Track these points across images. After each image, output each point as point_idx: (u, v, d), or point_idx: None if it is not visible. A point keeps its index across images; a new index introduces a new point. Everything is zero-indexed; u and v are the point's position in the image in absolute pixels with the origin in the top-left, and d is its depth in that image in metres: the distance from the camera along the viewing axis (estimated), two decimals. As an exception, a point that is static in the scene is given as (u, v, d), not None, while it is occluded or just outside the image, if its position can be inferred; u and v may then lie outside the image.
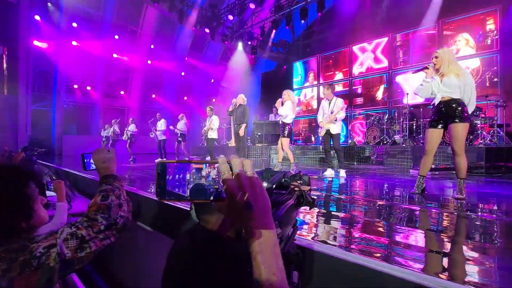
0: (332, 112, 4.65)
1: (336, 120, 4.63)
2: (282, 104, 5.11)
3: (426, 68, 2.87)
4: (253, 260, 0.46)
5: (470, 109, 2.76)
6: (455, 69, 2.75)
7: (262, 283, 0.45)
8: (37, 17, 11.05)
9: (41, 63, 11.79)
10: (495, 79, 7.45)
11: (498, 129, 5.94)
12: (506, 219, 2.20)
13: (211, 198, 0.47)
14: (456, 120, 2.69)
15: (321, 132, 4.82)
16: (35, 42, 11.19)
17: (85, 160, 1.16)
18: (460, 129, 2.69)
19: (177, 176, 0.48)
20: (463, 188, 2.71)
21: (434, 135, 2.86)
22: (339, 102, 4.71)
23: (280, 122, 5.18)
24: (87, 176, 4.29)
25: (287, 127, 5.09)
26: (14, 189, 0.87)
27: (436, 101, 2.79)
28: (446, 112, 2.75)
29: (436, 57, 2.82)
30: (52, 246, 0.80)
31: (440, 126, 2.83)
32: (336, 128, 4.72)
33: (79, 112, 13.77)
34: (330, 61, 11.54)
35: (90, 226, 0.89)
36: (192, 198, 0.48)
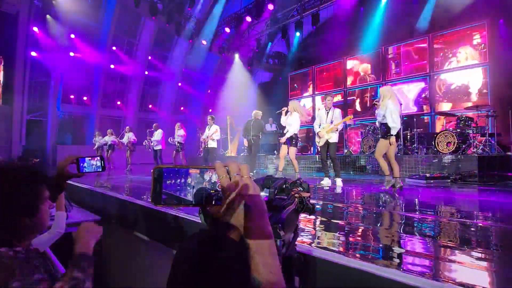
0: (332, 122, 4.73)
1: (337, 130, 4.72)
2: (285, 113, 5.23)
3: (377, 102, 4.17)
4: (251, 260, 0.48)
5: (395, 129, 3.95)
6: (387, 103, 3.92)
7: (261, 281, 0.47)
8: (35, 29, 11.13)
9: (38, 74, 11.79)
10: (485, 91, 7.67)
11: (490, 138, 6.07)
12: (500, 225, 2.24)
13: (212, 202, 0.49)
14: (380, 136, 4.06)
15: (320, 142, 4.86)
16: (33, 53, 11.23)
17: (80, 164, 1.24)
18: (379, 143, 4.07)
19: (177, 180, 0.49)
20: (388, 182, 3.92)
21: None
22: (337, 113, 4.79)
23: (285, 132, 5.24)
24: (83, 186, 4.26)
25: (294, 137, 5.13)
26: (26, 186, 0.92)
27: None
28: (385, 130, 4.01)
29: (382, 91, 4.12)
30: None
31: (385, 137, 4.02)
32: (334, 137, 4.77)
33: (74, 122, 13.70)
34: (325, 72, 11.76)
35: None
36: (194, 204, 0.48)
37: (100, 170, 1.28)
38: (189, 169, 0.49)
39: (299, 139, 5.23)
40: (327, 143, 4.79)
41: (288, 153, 5.18)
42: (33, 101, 12.03)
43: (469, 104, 7.40)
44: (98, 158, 1.28)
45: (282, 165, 5.39)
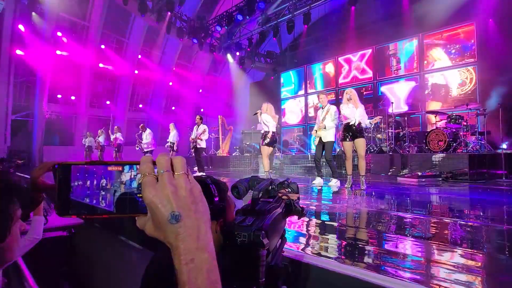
0: (323, 120, 4.63)
1: (325, 128, 4.51)
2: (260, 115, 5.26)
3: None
4: None
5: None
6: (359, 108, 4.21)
7: None
8: (20, 27, 10.78)
9: (24, 73, 11.45)
10: (474, 89, 7.77)
11: (480, 136, 6.13)
12: (491, 225, 2.22)
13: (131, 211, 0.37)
14: (359, 136, 4.13)
15: (315, 140, 4.77)
16: (18, 51, 10.89)
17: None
18: (362, 142, 4.15)
19: (88, 182, 0.37)
20: (364, 182, 4.14)
21: (349, 146, 4.20)
22: (332, 110, 4.59)
23: (262, 132, 5.22)
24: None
25: (268, 136, 5.07)
26: None
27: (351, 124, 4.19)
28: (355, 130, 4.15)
29: (351, 92, 4.32)
30: None
31: (349, 139, 4.18)
32: (328, 136, 4.54)
33: (62, 122, 13.35)
34: (317, 71, 11.76)
35: None
36: (115, 213, 0.37)
37: None
38: (107, 166, 0.38)
39: (268, 138, 5.15)
40: (322, 143, 4.63)
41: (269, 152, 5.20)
42: (19, 101, 11.67)
43: (459, 103, 7.48)
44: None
45: (269, 165, 5.37)
